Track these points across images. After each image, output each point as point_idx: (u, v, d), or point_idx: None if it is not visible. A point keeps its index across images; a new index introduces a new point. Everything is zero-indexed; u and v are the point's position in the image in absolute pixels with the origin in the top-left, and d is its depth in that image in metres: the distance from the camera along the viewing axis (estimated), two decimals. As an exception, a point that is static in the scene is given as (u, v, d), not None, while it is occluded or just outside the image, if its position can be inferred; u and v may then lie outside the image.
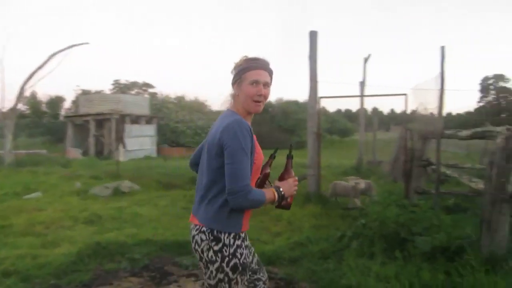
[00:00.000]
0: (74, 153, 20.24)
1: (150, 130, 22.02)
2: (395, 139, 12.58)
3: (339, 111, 60.57)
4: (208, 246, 1.79)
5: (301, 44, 6.82)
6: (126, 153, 19.96)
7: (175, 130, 22.14)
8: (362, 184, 7.08)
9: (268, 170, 2.01)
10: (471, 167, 6.36)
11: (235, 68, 1.88)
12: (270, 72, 1.89)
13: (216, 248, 1.78)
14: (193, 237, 1.85)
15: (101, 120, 21.27)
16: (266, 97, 1.87)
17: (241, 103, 1.88)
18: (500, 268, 3.19)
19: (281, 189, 1.90)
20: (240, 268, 1.80)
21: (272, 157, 2.06)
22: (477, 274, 2.96)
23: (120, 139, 20.07)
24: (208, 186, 1.83)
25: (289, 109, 35.61)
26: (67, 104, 33.26)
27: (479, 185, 3.89)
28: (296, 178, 1.98)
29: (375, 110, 21.18)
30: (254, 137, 1.85)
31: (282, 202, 1.93)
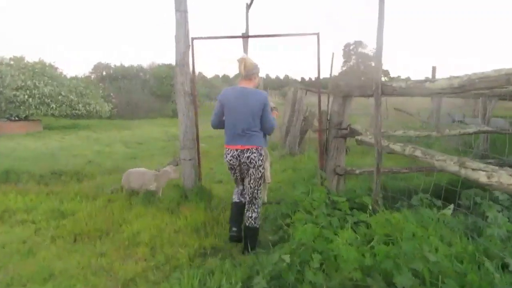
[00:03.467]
0: None
1: (-26, 101, 16.61)
2: (281, 102, 10.87)
3: (216, 76, 58.55)
4: (258, 158, 3.23)
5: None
6: None
7: (14, 100, 17.03)
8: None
9: None
10: (403, 134, 4.73)
11: (255, 67, 3.36)
12: None
13: (260, 157, 3.25)
14: (248, 156, 3.22)
15: None
16: None
17: (255, 84, 3.39)
18: None
19: None
20: None
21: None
22: None
23: None
24: (251, 126, 3.21)
25: (163, 73, 32.00)
26: None
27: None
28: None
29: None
30: None
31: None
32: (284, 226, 3.10)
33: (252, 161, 3.22)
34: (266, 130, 3.36)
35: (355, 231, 2.63)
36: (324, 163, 4.69)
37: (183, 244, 3.51)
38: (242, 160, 3.24)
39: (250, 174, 3.27)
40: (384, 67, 70.11)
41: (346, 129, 4.57)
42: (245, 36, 4.77)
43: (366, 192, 3.76)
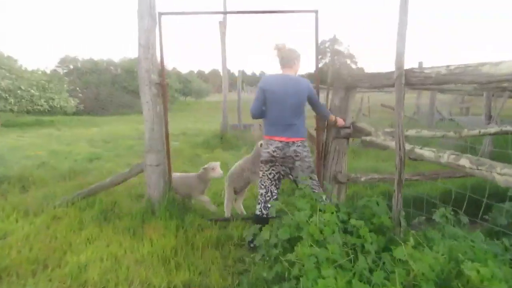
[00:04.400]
0: None
1: None
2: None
3: (191, 72, 57.10)
4: (302, 149, 3.20)
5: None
6: None
7: (-34, 95, 15.48)
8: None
9: None
10: (417, 134, 3.99)
11: (293, 52, 3.21)
12: None
13: (305, 149, 3.24)
14: (294, 150, 3.16)
15: None
16: None
17: (296, 70, 3.28)
18: None
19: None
20: None
21: None
22: None
23: None
24: (295, 117, 3.13)
25: (135, 67, 30.54)
26: None
27: None
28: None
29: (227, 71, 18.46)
30: None
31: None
32: (283, 261, 2.26)
33: (298, 154, 3.18)
34: (324, 116, 3.43)
35: (388, 273, 1.82)
36: (324, 169, 3.90)
37: (146, 281, 2.61)
38: (287, 154, 3.17)
39: (297, 167, 3.21)
40: (360, 65, 70.14)
41: (349, 127, 3.78)
42: (223, 12, 3.92)
43: (383, 209, 2.95)
